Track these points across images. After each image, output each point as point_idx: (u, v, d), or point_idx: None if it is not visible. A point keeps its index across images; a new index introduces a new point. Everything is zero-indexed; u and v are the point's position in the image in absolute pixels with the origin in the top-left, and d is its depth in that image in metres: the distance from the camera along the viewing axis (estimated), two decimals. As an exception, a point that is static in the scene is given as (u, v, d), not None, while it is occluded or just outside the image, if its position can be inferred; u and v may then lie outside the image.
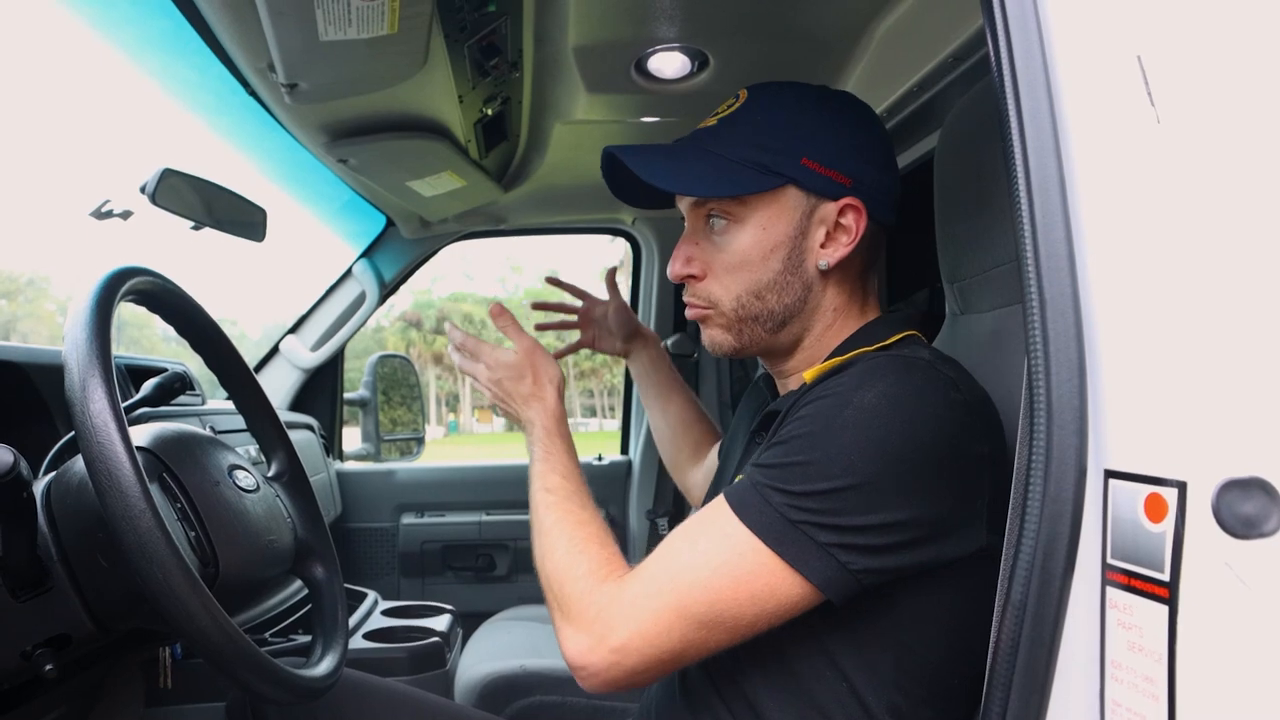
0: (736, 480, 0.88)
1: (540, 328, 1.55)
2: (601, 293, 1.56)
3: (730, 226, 0.98)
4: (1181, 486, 0.53)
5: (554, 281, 1.57)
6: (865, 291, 1.03)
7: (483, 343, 1.14)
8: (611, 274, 1.55)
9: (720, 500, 0.86)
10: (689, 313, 1.05)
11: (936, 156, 1.10)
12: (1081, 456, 0.57)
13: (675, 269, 1.02)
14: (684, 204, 1.03)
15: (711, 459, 1.45)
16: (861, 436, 0.80)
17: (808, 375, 0.95)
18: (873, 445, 0.80)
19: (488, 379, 1.11)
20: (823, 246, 0.98)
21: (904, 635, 0.85)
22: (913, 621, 0.84)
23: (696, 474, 1.50)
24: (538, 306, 1.56)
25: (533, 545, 0.97)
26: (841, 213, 0.97)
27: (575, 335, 1.56)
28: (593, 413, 51.31)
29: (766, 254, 0.97)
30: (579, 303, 1.54)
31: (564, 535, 0.95)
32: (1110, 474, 0.57)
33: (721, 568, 0.82)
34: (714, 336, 1.04)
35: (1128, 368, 0.57)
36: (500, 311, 1.15)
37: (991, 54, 0.63)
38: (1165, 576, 0.53)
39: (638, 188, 1.06)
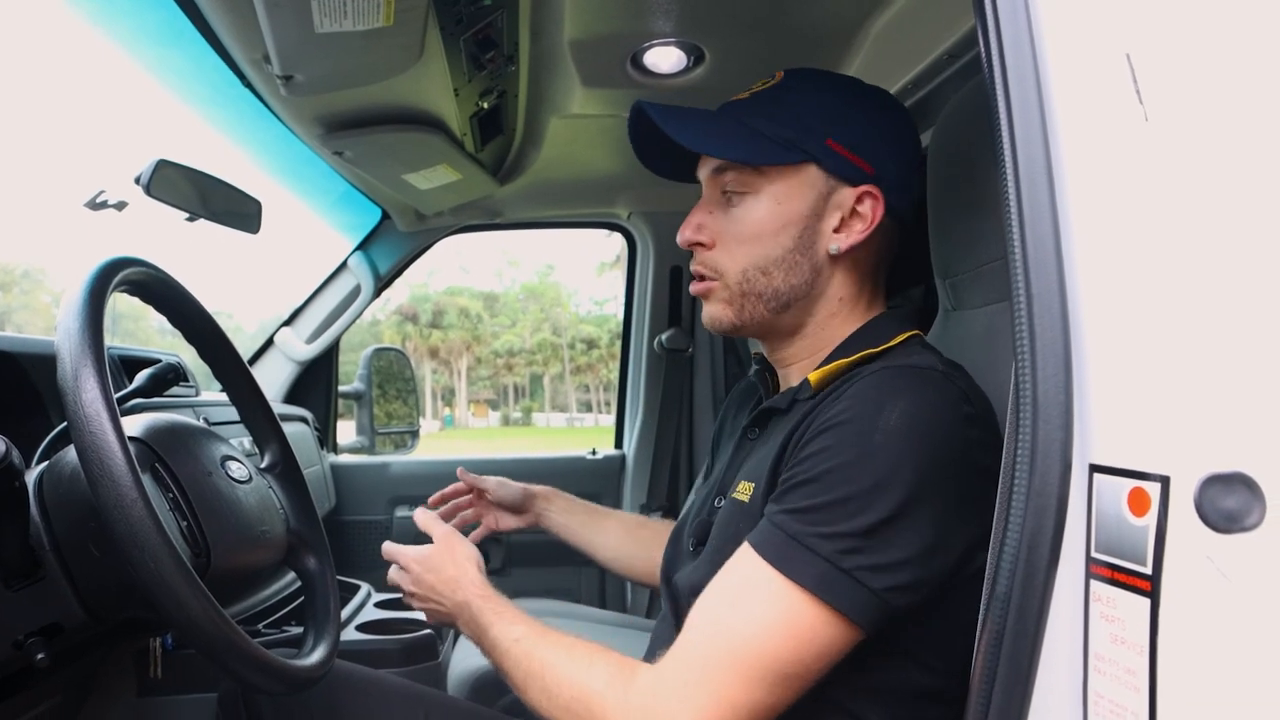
0: (761, 525, 0.84)
1: (433, 504, 1.42)
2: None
3: (746, 198, 0.97)
4: (1165, 481, 0.53)
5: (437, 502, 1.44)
6: (875, 286, 1.02)
7: (401, 547, 1.15)
8: (461, 473, 1.44)
9: (751, 555, 0.82)
10: (694, 286, 1.03)
11: (930, 153, 1.10)
12: (1066, 451, 0.57)
13: (685, 235, 1.01)
14: (703, 172, 1.01)
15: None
16: (895, 464, 0.78)
17: (812, 378, 0.94)
18: (907, 472, 0.78)
19: (411, 582, 1.12)
20: (836, 231, 0.96)
21: (913, 647, 0.84)
22: (923, 634, 0.84)
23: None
24: (434, 504, 1.42)
25: (531, 700, 0.91)
26: (859, 200, 0.96)
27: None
28: (588, 408, 51.38)
29: (778, 229, 0.96)
30: (468, 494, 1.45)
31: (563, 661, 0.90)
32: (1095, 468, 0.57)
33: (777, 630, 0.78)
34: (714, 311, 1.02)
35: (1113, 363, 0.57)
36: (421, 513, 1.19)
37: (982, 51, 0.63)
38: (1148, 570, 0.54)
39: (660, 153, 1.05)
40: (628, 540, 1.43)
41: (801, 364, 1.02)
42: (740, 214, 0.98)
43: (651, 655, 1.06)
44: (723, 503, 1.00)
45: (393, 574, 1.16)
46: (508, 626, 0.97)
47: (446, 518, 1.40)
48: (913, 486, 0.77)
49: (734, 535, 0.91)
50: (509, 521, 1.44)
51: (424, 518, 1.18)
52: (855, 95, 0.99)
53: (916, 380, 0.84)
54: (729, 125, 0.97)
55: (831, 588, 0.77)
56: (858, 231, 0.96)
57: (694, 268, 1.03)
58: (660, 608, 1.19)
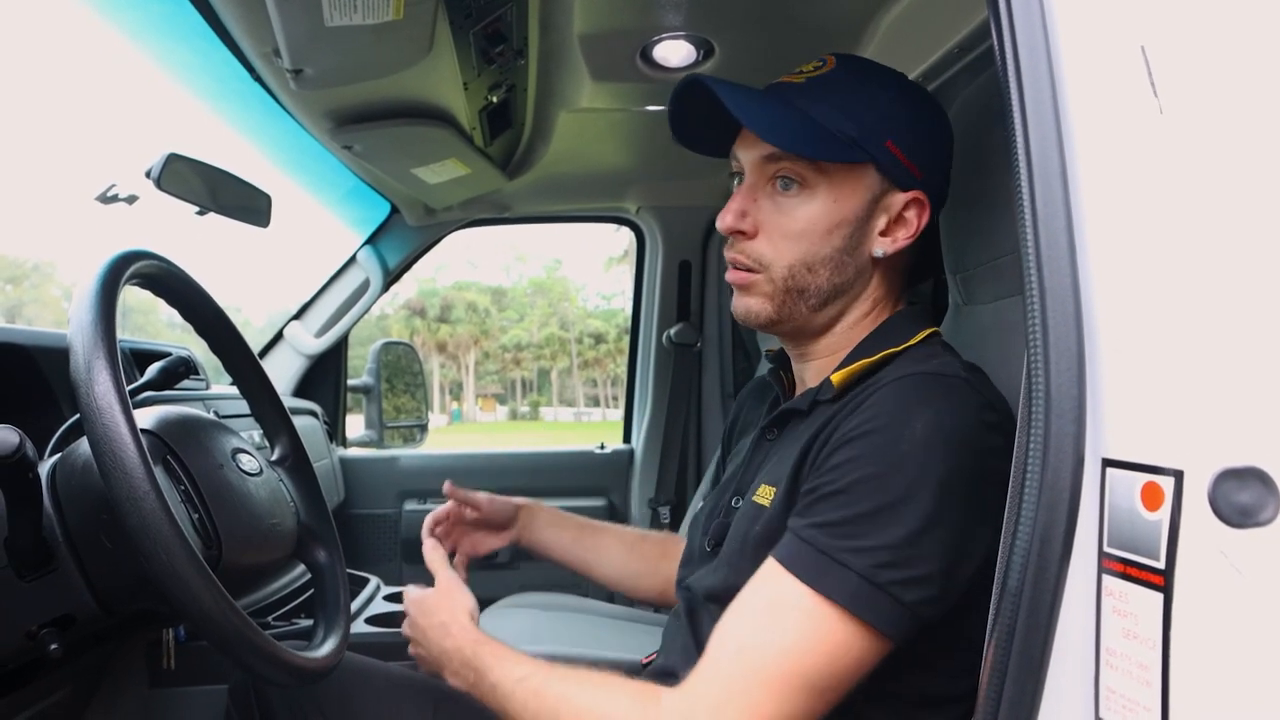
0: (787, 540, 0.82)
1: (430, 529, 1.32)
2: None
3: (801, 191, 0.93)
4: (1178, 475, 0.53)
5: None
6: (902, 287, 1.01)
7: (409, 590, 1.12)
8: (449, 489, 1.33)
9: (780, 571, 0.80)
10: (731, 275, 0.98)
11: (941, 147, 1.10)
12: (1079, 445, 0.57)
13: (727, 221, 0.95)
14: (751, 155, 0.96)
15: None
16: (921, 474, 0.77)
17: (835, 379, 0.92)
18: (935, 483, 0.77)
19: (407, 624, 1.09)
20: (882, 234, 0.95)
21: (924, 651, 0.83)
22: (934, 640, 0.82)
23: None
24: (430, 529, 1.32)
25: None
26: (906, 205, 0.94)
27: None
28: (596, 403, 51.40)
29: (831, 228, 0.93)
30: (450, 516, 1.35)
31: (580, 693, 0.86)
32: (1108, 462, 0.57)
33: (810, 646, 0.77)
34: (751, 305, 0.97)
35: (1127, 357, 0.57)
36: (432, 547, 1.17)
37: (995, 44, 0.63)
38: (1161, 564, 0.53)
39: (692, 127, 1.02)
40: (632, 557, 1.34)
41: (820, 362, 1.00)
42: (791, 207, 0.94)
43: (665, 654, 1.05)
44: (740, 503, 0.99)
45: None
46: (511, 667, 0.92)
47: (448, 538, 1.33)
48: (939, 497, 0.76)
49: (754, 538, 0.90)
50: (490, 543, 1.35)
51: (432, 557, 1.16)
52: (912, 96, 0.97)
53: (941, 388, 0.83)
54: (791, 113, 0.92)
55: (866, 603, 0.76)
56: (903, 238, 0.95)
57: (732, 256, 0.97)
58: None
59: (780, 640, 0.78)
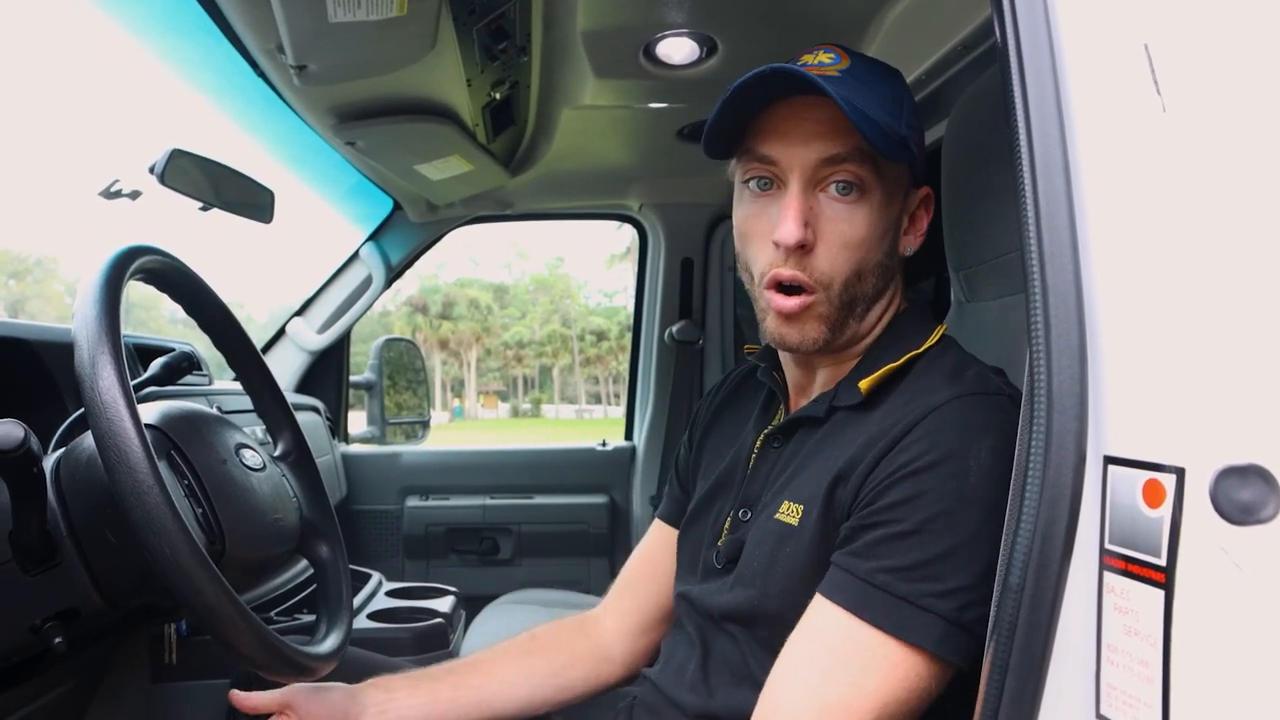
0: (850, 583, 0.78)
1: None
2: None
3: (859, 196, 0.85)
4: (1180, 473, 0.53)
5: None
6: (902, 283, 0.98)
7: None
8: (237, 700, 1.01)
9: (848, 619, 0.77)
10: (786, 302, 0.87)
11: (944, 145, 1.10)
12: (1081, 442, 0.57)
13: (794, 234, 0.83)
14: (807, 156, 0.85)
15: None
16: (993, 505, 0.75)
17: (864, 385, 0.87)
18: (999, 514, 0.73)
19: None
20: (904, 233, 0.93)
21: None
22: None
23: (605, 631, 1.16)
24: None
25: None
26: (921, 200, 0.93)
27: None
28: (597, 400, 51.39)
29: (883, 233, 0.87)
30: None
31: None
32: (1109, 460, 0.57)
33: (899, 693, 0.76)
34: (807, 333, 0.88)
35: (1128, 355, 0.57)
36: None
37: (999, 41, 0.63)
38: (1162, 562, 0.53)
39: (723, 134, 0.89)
40: (543, 660, 1.11)
41: (833, 368, 0.95)
42: (851, 213, 0.85)
43: (661, 670, 1.02)
44: (750, 516, 0.95)
45: None
46: None
47: None
48: (1001, 529, 0.73)
49: (785, 560, 0.87)
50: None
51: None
52: (910, 91, 0.93)
53: (992, 410, 0.80)
54: (850, 106, 0.81)
55: (952, 645, 0.75)
56: (919, 234, 0.93)
57: (790, 275, 0.86)
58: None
59: (867, 693, 0.76)
